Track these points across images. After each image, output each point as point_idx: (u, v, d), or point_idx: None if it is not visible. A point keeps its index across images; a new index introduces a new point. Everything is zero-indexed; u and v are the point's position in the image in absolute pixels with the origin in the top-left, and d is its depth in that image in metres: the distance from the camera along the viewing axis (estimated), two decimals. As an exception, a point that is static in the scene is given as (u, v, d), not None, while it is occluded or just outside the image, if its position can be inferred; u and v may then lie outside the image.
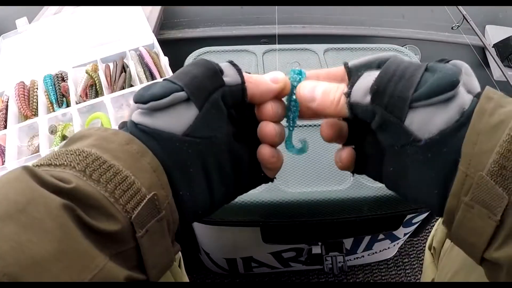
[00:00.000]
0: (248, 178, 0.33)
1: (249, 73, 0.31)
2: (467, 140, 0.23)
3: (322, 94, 0.29)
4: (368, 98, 0.27)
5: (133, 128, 0.27)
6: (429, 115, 0.25)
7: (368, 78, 0.27)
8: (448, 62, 0.28)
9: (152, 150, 0.26)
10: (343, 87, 0.29)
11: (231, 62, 0.30)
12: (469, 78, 0.27)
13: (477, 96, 0.25)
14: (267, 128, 0.31)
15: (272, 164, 0.32)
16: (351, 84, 0.28)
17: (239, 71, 0.30)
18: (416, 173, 0.27)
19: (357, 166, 0.34)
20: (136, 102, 0.27)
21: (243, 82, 0.29)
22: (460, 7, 1.01)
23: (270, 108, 0.31)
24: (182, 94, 0.27)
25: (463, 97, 0.25)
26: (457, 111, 0.24)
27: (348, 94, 0.28)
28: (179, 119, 0.27)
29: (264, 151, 0.31)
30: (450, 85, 0.24)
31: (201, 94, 0.27)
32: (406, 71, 0.26)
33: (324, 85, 0.30)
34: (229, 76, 0.29)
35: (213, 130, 0.28)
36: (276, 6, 1.12)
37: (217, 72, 0.28)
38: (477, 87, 0.26)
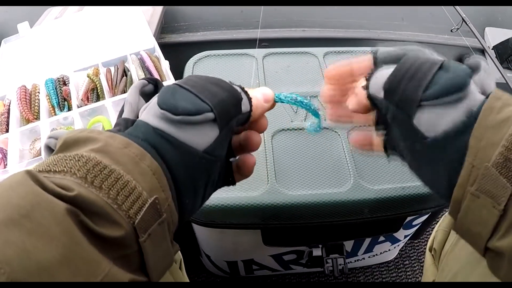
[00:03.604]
0: (221, 182, 0.36)
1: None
2: (474, 134, 0.25)
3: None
4: (382, 93, 0.29)
5: (150, 133, 0.27)
6: (436, 115, 0.26)
7: (384, 72, 0.29)
8: (469, 57, 0.29)
9: (169, 159, 0.26)
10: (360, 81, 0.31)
11: (243, 89, 0.32)
12: (486, 75, 0.28)
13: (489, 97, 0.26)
14: (258, 138, 0.34)
15: (251, 172, 0.35)
16: (369, 75, 0.30)
17: (250, 100, 0.32)
18: (426, 167, 0.29)
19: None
20: (165, 110, 0.27)
21: (251, 110, 0.32)
22: (459, 10, 1.01)
23: (266, 122, 0.35)
24: (211, 115, 0.28)
25: (474, 98, 0.26)
26: (464, 113, 0.25)
27: (366, 86, 0.30)
28: (203, 137, 0.28)
29: (252, 159, 0.35)
30: (459, 87, 0.25)
31: (225, 119, 0.29)
32: (420, 68, 0.27)
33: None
34: (244, 105, 0.31)
35: (223, 150, 0.31)
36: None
37: (240, 101, 0.31)
38: (492, 86, 0.27)
